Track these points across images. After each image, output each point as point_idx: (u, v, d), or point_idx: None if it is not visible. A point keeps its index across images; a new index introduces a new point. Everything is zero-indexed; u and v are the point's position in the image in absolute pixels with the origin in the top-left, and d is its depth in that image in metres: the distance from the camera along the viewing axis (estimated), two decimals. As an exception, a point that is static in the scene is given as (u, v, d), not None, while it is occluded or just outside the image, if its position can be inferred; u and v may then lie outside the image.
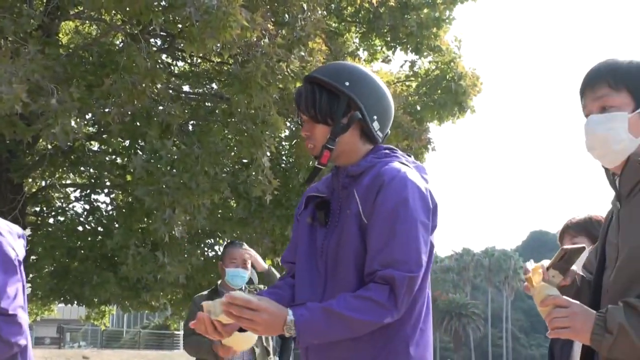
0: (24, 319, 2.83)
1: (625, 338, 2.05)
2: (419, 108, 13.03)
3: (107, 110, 9.02)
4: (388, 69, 14.37)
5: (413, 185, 2.44)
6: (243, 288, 5.20)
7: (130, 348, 34.77)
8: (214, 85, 12.51)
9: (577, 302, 2.18)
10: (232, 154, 10.73)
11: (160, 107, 10.24)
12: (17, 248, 2.97)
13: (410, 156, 2.69)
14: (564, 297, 2.20)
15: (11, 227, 3.05)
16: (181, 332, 41.61)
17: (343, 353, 2.44)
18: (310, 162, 11.08)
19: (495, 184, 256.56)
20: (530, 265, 2.40)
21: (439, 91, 12.90)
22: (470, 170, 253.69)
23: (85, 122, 10.91)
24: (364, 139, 2.59)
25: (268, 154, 9.63)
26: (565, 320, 2.14)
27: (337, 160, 2.60)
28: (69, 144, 9.20)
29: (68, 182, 13.41)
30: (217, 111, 11.55)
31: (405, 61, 13.63)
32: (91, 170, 12.70)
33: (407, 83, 13.85)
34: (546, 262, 2.48)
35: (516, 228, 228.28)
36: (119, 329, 42.84)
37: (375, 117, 2.57)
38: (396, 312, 2.37)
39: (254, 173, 9.52)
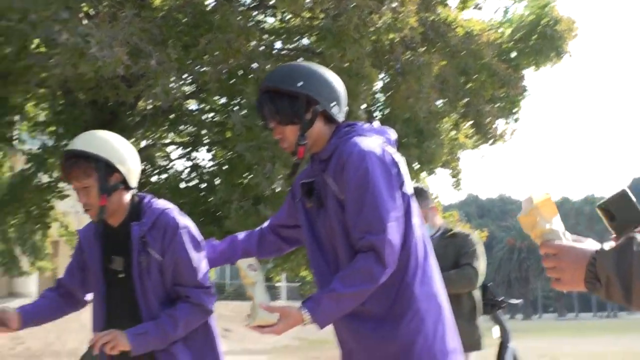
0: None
1: (614, 289, 1.61)
2: (513, 55, 12.82)
3: (203, 69, 9.19)
4: (480, 16, 14.12)
5: (370, 155, 2.69)
6: None
7: (235, 299, 35.60)
8: (305, 41, 12.54)
9: (570, 245, 1.73)
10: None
11: (255, 65, 10.36)
12: None
13: (372, 122, 2.94)
14: (554, 242, 1.74)
15: None
16: (282, 284, 42.38)
17: (361, 307, 2.68)
18: (406, 114, 11.07)
19: (595, 130, 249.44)
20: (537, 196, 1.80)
21: (535, 37, 12.64)
22: (568, 116, 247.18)
23: (183, 82, 11.14)
24: (328, 124, 2.85)
25: (364, 106, 9.65)
26: (554, 271, 1.72)
27: (311, 150, 2.89)
28: (168, 104, 9.42)
29: (168, 141, 13.75)
30: (310, 66, 11.56)
31: (498, 8, 13.36)
32: (191, 128, 12.99)
33: (500, 30, 13.59)
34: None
35: (618, 175, 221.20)
36: (222, 282, 43.87)
37: (333, 104, 2.82)
38: (388, 270, 2.62)
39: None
